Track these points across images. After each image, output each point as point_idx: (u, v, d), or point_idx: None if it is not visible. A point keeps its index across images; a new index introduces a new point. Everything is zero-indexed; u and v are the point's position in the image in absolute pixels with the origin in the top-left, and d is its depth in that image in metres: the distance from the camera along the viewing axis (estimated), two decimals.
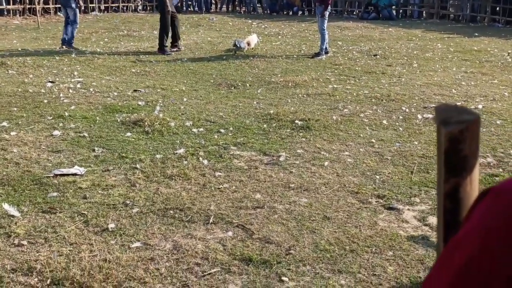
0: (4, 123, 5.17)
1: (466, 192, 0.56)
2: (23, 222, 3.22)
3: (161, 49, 9.84)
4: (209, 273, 2.75)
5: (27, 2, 16.27)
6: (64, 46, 10.09)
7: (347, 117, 5.68)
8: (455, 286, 0.44)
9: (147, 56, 9.57)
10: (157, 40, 10.09)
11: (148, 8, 20.02)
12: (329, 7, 9.67)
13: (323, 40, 9.66)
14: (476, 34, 13.43)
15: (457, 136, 0.53)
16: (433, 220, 3.38)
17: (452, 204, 0.56)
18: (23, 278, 2.67)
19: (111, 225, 3.20)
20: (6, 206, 3.36)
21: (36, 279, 2.66)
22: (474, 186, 0.57)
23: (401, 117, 5.70)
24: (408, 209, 3.53)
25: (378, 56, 9.92)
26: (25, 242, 3.00)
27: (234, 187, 3.81)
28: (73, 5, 10.04)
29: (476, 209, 0.47)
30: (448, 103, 0.57)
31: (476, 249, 0.44)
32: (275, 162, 4.32)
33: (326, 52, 9.78)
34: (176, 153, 4.47)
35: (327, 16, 9.57)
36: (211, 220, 3.30)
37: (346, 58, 9.67)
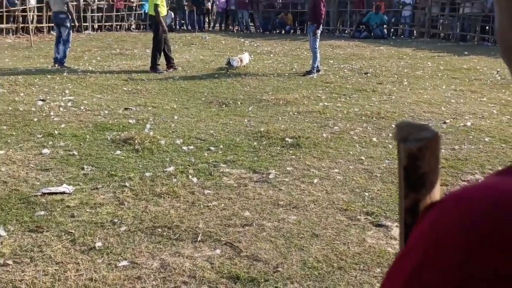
0: None
1: None
2: (9, 242, 3.19)
3: (154, 68, 9.89)
4: None
5: (21, 21, 16.34)
6: (56, 65, 10.10)
7: (337, 134, 5.70)
8: None
9: (139, 74, 9.60)
10: (150, 59, 10.15)
11: (142, 27, 20.13)
12: (321, 26, 9.78)
13: (315, 59, 9.73)
14: (466, 52, 13.58)
15: (416, 153, 0.54)
16: None
17: (412, 219, 0.57)
18: None
19: (98, 244, 3.18)
20: None
21: None
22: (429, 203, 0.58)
23: (390, 135, 5.72)
24: (397, 226, 3.52)
25: (369, 74, 10.00)
26: (10, 262, 2.97)
27: (223, 204, 3.81)
28: (68, 24, 10.08)
29: (426, 217, 0.47)
30: (409, 120, 0.58)
31: (427, 255, 0.44)
32: (264, 180, 4.32)
33: (318, 71, 9.84)
34: (166, 171, 4.46)
35: (319, 34, 9.66)
36: (199, 238, 3.28)
37: (337, 76, 9.74)
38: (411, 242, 0.47)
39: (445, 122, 6.26)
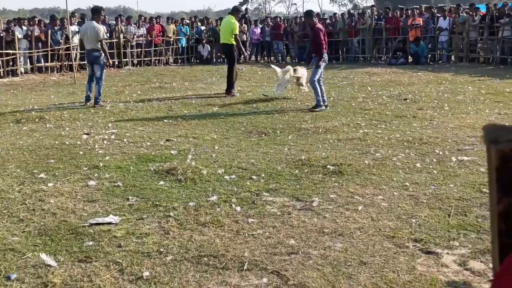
0: (42, 175, 5.30)
1: None
2: (59, 272, 3.25)
3: (229, 91, 11.15)
4: None
5: (64, 59, 16.97)
6: (87, 104, 9.98)
7: (380, 161, 5.63)
8: None
9: (179, 106, 9.78)
10: (186, 91, 10.36)
11: (179, 60, 20.59)
12: (326, 56, 9.21)
13: (315, 92, 9.07)
14: (508, 76, 13.30)
15: (509, 154, 0.52)
16: (474, 264, 3.27)
17: (506, 225, 0.54)
18: None
19: (146, 273, 3.20)
20: (43, 256, 3.40)
21: None
22: None
23: (434, 160, 5.61)
24: (447, 253, 3.42)
25: (408, 100, 9.90)
26: None
27: (267, 233, 3.79)
28: (101, 62, 9.98)
29: None
30: (495, 123, 0.56)
31: None
32: (308, 208, 4.29)
33: (326, 106, 9.17)
34: (209, 200, 4.49)
35: (322, 66, 9.13)
36: (245, 267, 3.26)
37: (375, 103, 9.67)
38: None
39: None
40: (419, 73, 14.59)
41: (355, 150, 6.14)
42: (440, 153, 5.90)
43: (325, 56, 9.21)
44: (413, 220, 3.97)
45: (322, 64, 9.14)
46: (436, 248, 3.50)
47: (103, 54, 10.04)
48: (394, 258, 3.35)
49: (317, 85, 9.03)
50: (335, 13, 23.39)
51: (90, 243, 3.66)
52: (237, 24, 11.22)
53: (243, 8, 23.54)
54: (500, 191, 0.53)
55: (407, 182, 4.88)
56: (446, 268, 3.23)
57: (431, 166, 5.39)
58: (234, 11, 11.48)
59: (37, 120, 8.45)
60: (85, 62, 16.93)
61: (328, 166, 5.34)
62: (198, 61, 20.79)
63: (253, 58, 21.78)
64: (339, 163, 5.45)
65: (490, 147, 0.52)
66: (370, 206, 4.30)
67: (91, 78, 10.15)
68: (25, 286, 3.07)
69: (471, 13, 17.73)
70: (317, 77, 9.03)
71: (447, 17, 18.19)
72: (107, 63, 10.41)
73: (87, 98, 10.13)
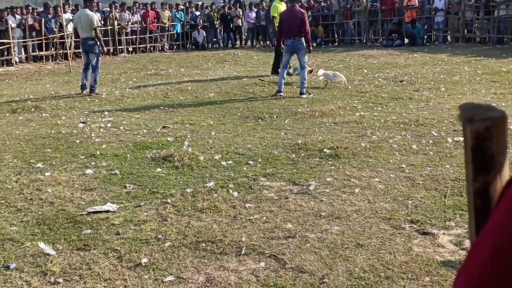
0: (39, 164, 5.31)
1: (496, 190, 0.55)
2: (58, 260, 3.27)
3: (275, 72, 11.19)
4: None
5: (59, 47, 16.87)
6: (84, 92, 9.91)
7: (376, 143, 5.64)
8: (484, 274, 0.44)
9: (175, 93, 9.76)
10: (182, 77, 10.30)
11: (174, 47, 20.49)
12: (288, 42, 8.90)
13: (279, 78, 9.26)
14: (504, 55, 13.27)
15: (483, 133, 0.53)
16: (470, 244, 3.29)
17: (482, 202, 0.55)
18: None
19: (144, 260, 3.22)
20: (41, 244, 3.42)
21: None
22: (504, 183, 0.56)
23: (431, 141, 5.62)
24: (444, 234, 3.45)
25: (404, 82, 9.89)
26: (60, 280, 3.04)
27: (264, 217, 3.80)
28: (97, 50, 9.90)
29: (505, 197, 0.47)
30: (473, 102, 0.57)
31: (505, 240, 0.44)
32: (305, 191, 4.30)
33: (279, 91, 8.98)
34: (206, 186, 4.50)
35: (284, 52, 9.10)
36: (243, 252, 3.28)
37: (372, 86, 9.66)
38: (494, 219, 0.46)
39: None
40: (415, 55, 14.55)
41: (352, 133, 6.15)
42: (436, 134, 5.91)
43: (287, 42, 8.93)
44: (410, 202, 3.99)
45: (284, 50, 9.13)
46: (432, 228, 3.52)
47: (98, 42, 9.98)
48: (391, 240, 3.38)
49: (281, 72, 9.23)
50: None
51: (88, 231, 3.68)
52: (278, 7, 11.02)
53: None
54: (476, 169, 0.53)
55: (403, 164, 4.89)
56: (442, 248, 3.25)
57: (427, 148, 5.40)
58: None
59: (33, 109, 8.42)
60: (80, 50, 16.98)
61: (325, 150, 5.35)
62: (193, 47, 20.70)
63: (248, 43, 21.68)
64: (336, 146, 5.46)
65: (465, 126, 0.52)
66: (366, 189, 4.32)
67: (87, 67, 10.08)
68: (25, 275, 3.09)
69: None
70: (281, 63, 9.34)
71: None
72: (102, 50, 10.34)
73: (83, 87, 10.06)
